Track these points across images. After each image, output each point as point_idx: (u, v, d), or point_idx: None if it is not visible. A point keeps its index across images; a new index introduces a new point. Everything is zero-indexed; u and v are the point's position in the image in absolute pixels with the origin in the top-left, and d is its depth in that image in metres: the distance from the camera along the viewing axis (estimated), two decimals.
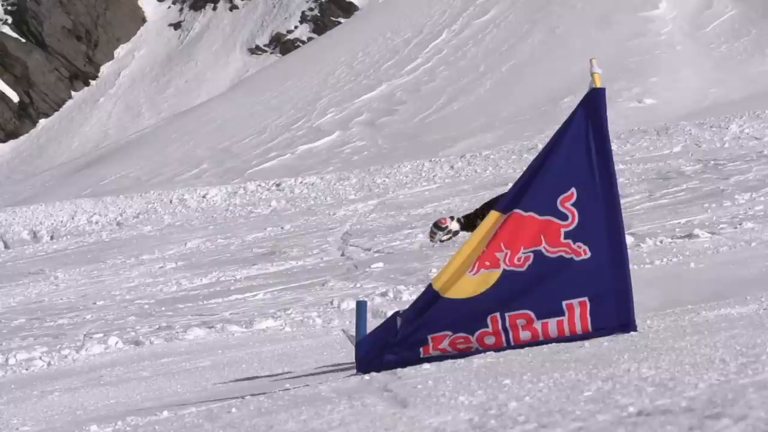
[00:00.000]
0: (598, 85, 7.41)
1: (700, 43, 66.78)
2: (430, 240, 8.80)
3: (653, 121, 46.70)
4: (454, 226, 8.59)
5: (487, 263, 7.33)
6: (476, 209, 8.76)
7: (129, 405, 8.38)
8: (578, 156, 7.35)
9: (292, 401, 6.17)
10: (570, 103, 49.03)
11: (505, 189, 7.92)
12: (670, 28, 69.47)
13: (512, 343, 7.25)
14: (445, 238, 8.67)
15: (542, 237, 7.29)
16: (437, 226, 8.68)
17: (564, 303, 7.23)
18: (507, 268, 7.30)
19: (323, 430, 4.86)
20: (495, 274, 7.32)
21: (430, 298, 7.45)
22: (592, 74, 7.44)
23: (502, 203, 7.46)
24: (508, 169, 32.76)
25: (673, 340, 6.33)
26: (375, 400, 5.45)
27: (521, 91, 62.92)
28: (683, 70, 61.95)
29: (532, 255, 7.29)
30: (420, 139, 59.54)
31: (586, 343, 6.94)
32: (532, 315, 7.24)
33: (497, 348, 7.25)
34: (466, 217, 8.66)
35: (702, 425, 3.40)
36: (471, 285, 7.36)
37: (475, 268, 7.35)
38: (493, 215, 7.43)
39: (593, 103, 7.40)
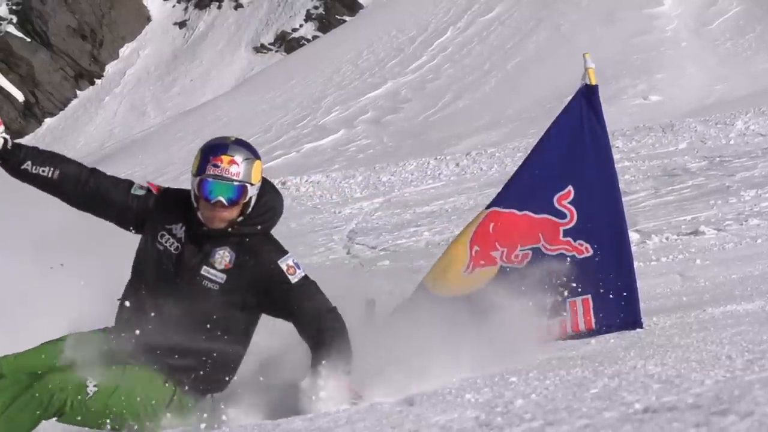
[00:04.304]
0: (593, 81, 7.37)
1: (705, 40, 66.70)
2: None
3: (658, 117, 46.64)
4: None
5: (482, 262, 7.32)
6: (42, 151, 5.94)
7: None
8: (574, 154, 7.33)
9: None
10: None
11: None
12: (675, 24, 69.38)
13: None
14: None
15: (540, 235, 7.29)
16: None
17: (568, 301, 7.23)
18: (504, 265, 7.29)
19: (329, 428, 4.86)
20: (492, 270, 7.30)
21: (424, 297, 7.42)
22: (586, 69, 7.39)
23: (492, 200, 7.45)
24: (513, 166, 32.64)
25: (679, 337, 6.33)
26: (381, 398, 5.45)
27: (526, 89, 62.87)
28: (688, 66, 61.87)
29: (530, 252, 7.29)
30: (425, 136, 59.50)
31: (593, 340, 6.95)
32: (536, 315, 7.23)
33: None
34: (18, 146, 5.83)
35: (708, 422, 3.40)
36: (467, 282, 7.33)
37: (470, 268, 7.33)
38: (481, 213, 7.43)
39: (589, 101, 7.36)
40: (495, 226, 7.32)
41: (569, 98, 7.47)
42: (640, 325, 7.23)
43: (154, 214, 5.81)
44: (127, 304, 5.84)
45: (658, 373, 4.79)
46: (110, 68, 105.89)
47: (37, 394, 5.58)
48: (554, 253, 7.26)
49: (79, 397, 5.60)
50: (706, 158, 25.95)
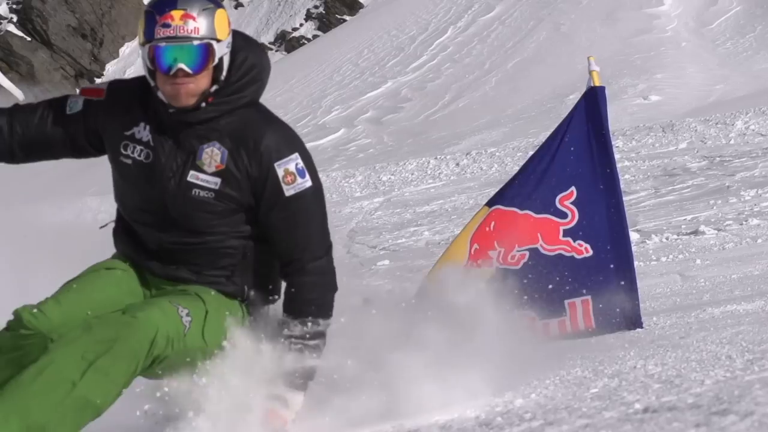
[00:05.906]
0: (597, 83, 7.43)
1: (706, 40, 66.73)
2: None
3: (658, 117, 46.63)
4: None
5: (479, 261, 7.32)
6: None
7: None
8: (578, 155, 7.35)
9: None
10: (575, 99, 48.44)
11: None
12: (675, 24, 69.40)
13: None
14: None
15: (539, 235, 7.29)
16: None
17: (566, 302, 7.23)
18: (500, 266, 7.29)
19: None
20: (488, 273, 7.29)
21: (424, 299, 7.41)
22: (590, 72, 7.45)
23: (493, 198, 7.45)
24: (513, 166, 32.68)
25: (679, 337, 6.33)
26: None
27: (526, 88, 62.87)
28: (688, 66, 61.88)
29: (527, 253, 7.29)
30: (425, 136, 59.50)
31: (593, 339, 6.95)
32: (534, 315, 7.23)
33: None
34: None
35: (708, 422, 3.40)
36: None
37: (468, 265, 7.34)
38: (483, 210, 7.43)
39: (594, 102, 7.40)
40: (495, 224, 7.32)
41: (569, 97, 7.53)
42: (640, 325, 7.23)
43: (105, 124, 4.51)
44: (124, 237, 4.57)
45: (658, 373, 4.79)
46: (110, 67, 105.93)
47: (127, 345, 4.17)
48: (552, 254, 7.27)
49: (179, 332, 4.26)
50: (706, 158, 25.94)
